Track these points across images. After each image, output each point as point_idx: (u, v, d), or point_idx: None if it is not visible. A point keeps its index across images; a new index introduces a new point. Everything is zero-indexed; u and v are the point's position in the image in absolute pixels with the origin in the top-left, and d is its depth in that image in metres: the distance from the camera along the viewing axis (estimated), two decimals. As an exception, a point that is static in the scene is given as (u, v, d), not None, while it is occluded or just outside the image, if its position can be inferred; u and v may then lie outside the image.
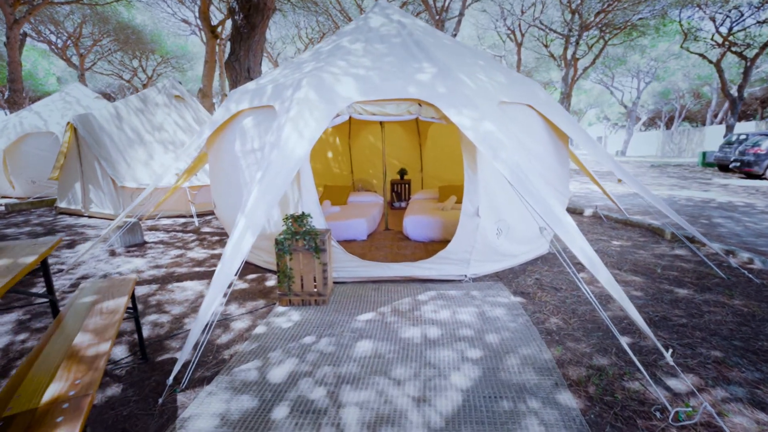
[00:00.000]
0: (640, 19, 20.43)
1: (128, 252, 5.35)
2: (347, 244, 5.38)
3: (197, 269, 4.61)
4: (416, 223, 5.43)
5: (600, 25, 20.08)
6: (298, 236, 3.25)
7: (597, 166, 17.69)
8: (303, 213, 3.41)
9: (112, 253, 5.29)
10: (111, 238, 5.58)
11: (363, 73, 3.69)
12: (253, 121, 4.01)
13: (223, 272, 2.64)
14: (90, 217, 7.93)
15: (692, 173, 15.24)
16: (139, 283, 4.15)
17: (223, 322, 3.20)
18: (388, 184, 8.15)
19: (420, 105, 3.51)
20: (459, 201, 6.48)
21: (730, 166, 13.80)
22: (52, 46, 24.62)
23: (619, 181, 4.32)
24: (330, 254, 3.59)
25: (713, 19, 18.41)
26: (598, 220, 6.68)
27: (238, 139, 4.14)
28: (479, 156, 3.60)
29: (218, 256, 5.15)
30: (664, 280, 3.88)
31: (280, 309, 3.36)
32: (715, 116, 31.54)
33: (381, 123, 6.00)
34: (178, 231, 6.65)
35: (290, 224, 3.34)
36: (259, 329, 3.02)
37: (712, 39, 19.79)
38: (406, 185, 8.14)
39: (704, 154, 18.02)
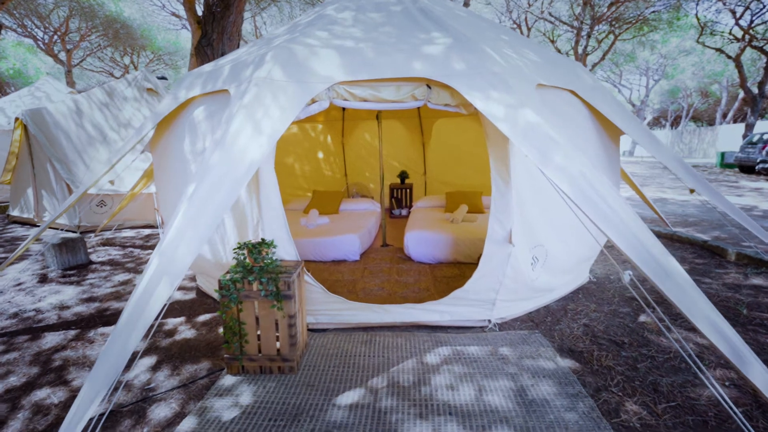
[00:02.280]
0: (653, 12, 19.44)
1: (64, 276, 4.32)
2: (335, 266, 4.36)
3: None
4: (420, 240, 4.41)
5: (610, 19, 19.07)
6: (253, 276, 2.22)
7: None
8: (263, 240, 2.38)
9: (43, 279, 4.26)
10: (45, 256, 4.56)
11: (351, 46, 2.67)
12: (204, 112, 2.98)
13: (109, 357, 1.61)
14: (43, 227, 6.90)
15: (712, 175, 14.21)
16: (53, 327, 3.13)
17: (140, 405, 2.17)
18: (386, 189, 7.12)
19: (429, 87, 2.48)
20: (471, 210, 5.46)
21: (757, 167, 12.77)
22: (38, 42, 23.62)
23: (692, 191, 3.28)
24: (302, 297, 2.56)
25: (733, 12, 17.37)
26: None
27: (188, 136, 3.11)
28: (513, 160, 2.57)
29: (173, 283, 4.13)
30: (759, 327, 2.85)
31: (227, 381, 2.33)
32: (725, 116, 30.44)
33: (377, 116, 4.98)
34: (136, 246, 5.62)
35: (243, 257, 2.32)
36: (186, 424, 1.98)
37: (730, 33, 18.77)
38: (408, 190, 7.11)
39: (722, 154, 16.99)
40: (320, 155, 7.45)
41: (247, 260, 2.32)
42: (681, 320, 3.00)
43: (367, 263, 4.46)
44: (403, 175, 7.02)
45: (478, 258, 3.29)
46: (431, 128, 7.07)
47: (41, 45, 23.77)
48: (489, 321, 2.90)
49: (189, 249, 1.86)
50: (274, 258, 2.37)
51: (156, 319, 1.77)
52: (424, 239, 4.39)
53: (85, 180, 6.50)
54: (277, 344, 2.34)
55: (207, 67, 3.38)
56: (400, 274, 4.08)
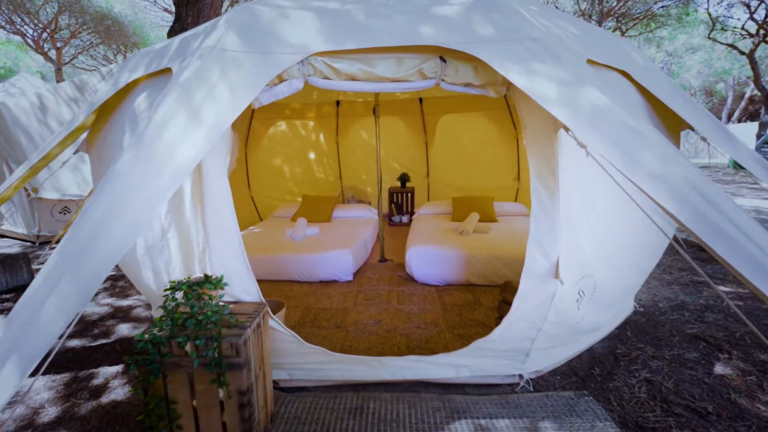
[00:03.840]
0: (662, 7, 18.78)
1: (-2, 302, 3.60)
2: (324, 289, 3.64)
3: (72, 344, 2.88)
4: (424, 257, 3.69)
5: (617, 15, 18.41)
6: (184, 336, 1.49)
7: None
8: (206, 277, 1.66)
9: (-30, 305, 3.54)
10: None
11: (335, 7, 1.95)
12: (147, 100, 2.25)
13: None
14: (1, 236, 6.19)
15: (728, 176, 13.52)
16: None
17: None
18: (385, 193, 6.40)
19: (443, 60, 1.76)
20: (482, 219, 4.75)
21: (778, 168, 12.03)
22: (27, 39, 22.93)
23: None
24: (264, 355, 1.84)
25: (747, 5, 16.65)
26: (670, 247, 4.93)
27: (129, 131, 2.38)
28: (562, 162, 1.84)
29: (125, 311, 3.41)
30: None
31: (152, 483, 1.60)
32: (730, 116, 29.63)
33: (374, 110, 4.26)
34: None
35: (175, 303, 1.60)
36: None
37: (742, 28, 18.06)
38: (409, 195, 6.40)
39: (737, 154, 16.24)
40: (312, 156, 6.73)
41: (179, 309, 1.60)
42: (772, 373, 2.29)
43: (361, 285, 3.74)
44: (403, 178, 6.31)
45: (504, 287, 2.59)
46: (435, 125, 6.36)
47: (30, 43, 23.06)
48: (520, 376, 2.18)
49: (64, 308, 1.15)
50: (222, 302, 1.65)
51: None
52: (430, 256, 3.67)
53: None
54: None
55: (159, 44, 2.67)
56: (401, 300, 3.36)
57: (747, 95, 25.99)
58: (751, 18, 17.11)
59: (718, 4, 18.97)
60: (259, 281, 3.91)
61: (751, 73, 19.07)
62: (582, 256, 2.00)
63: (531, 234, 1.86)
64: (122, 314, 3.39)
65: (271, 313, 1.89)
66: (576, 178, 1.87)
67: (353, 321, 2.98)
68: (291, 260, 3.83)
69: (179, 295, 1.61)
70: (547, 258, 1.87)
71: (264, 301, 1.90)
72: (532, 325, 1.98)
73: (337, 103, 6.40)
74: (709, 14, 18.20)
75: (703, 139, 2.51)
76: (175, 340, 1.47)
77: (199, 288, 1.57)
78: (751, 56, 17.44)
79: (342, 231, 4.68)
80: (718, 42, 18.92)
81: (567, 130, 1.54)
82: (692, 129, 2.44)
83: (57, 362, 2.58)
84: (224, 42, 1.72)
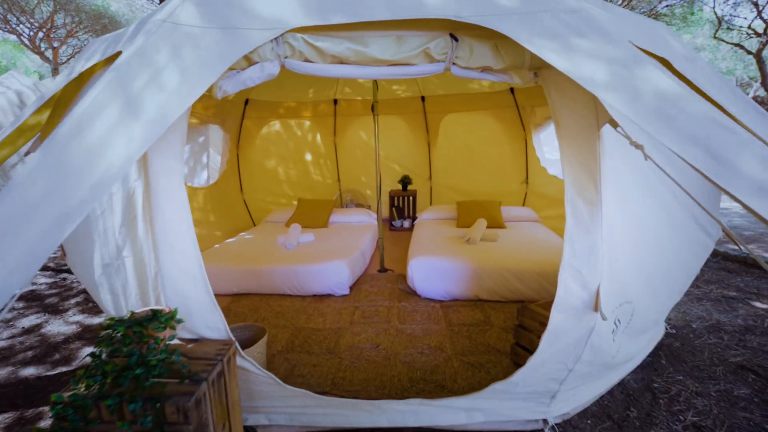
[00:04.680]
0: (667, 6, 18.45)
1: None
2: (317, 305, 3.29)
3: (26, 373, 2.52)
4: (428, 269, 3.33)
5: (623, 13, 18.07)
6: (113, 398, 1.13)
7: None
8: (154, 312, 1.31)
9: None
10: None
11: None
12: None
13: None
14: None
15: None
16: None
17: None
18: (385, 196, 6.05)
19: (454, 39, 1.41)
20: (490, 225, 4.40)
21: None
22: (22, 38, 22.65)
23: None
24: (232, 404, 1.48)
25: (755, 3, 16.28)
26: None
27: (85, 130, 2.03)
28: (605, 166, 1.48)
29: (95, 331, 3.06)
30: None
31: None
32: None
33: (372, 107, 3.91)
34: (47, 269, 4.53)
35: (111, 347, 1.24)
36: None
37: (749, 27, 17.70)
38: (411, 198, 6.04)
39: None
40: (308, 157, 6.37)
41: (114, 358, 1.24)
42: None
43: (358, 300, 3.38)
44: (405, 181, 5.94)
45: (521, 310, 2.22)
46: (438, 125, 6.00)
47: (26, 42, 22.76)
48: (545, 421, 1.82)
49: None
50: (176, 342, 1.29)
51: None
52: (434, 269, 3.31)
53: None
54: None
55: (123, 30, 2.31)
56: (402, 318, 3.00)
57: (750, 95, 25.65)
58: (759, 16, 16.74)
59: (724, 3, 18.59)
60: (246, 295, 3.57)
61: (754, 74, 18.69)
62: (622, 280, 1.64)
63: (565, 258, 1.51)
64: (91, 334, 3.04)
65: (241, 351, 1.53)
66: (617, 187, 1.51)
67: (348, 345, 2.62)
68: (282, 272, 3.47)
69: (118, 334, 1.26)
70: (585, 287, 1.51)
71: (232, 337, 1.54)
72: (562, 366, 1.62)
73: (335, 101, 6.05)
74: (715, 13, 17.83)
75: (760, 140, 2.14)
76: (104, 402, 1.11)
77: (143, 328, 1.22)
78: (758, 56, 17.03)
79: (339, 238, 4.33)
80: (724, 42, 18.53)
81: (615, 125, 1.19)
82: (745, 128, 2.07)
83: (2, 396, 2.23)
84: (178, 15, 1.36)
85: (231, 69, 1.44)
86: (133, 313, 1.32)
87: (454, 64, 1.41)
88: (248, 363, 1.58)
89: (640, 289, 1.84)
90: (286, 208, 5.50)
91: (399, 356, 2.47)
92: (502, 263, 3.25)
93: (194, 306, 1.51)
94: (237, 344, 1.49)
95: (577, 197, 1.46)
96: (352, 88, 5.83)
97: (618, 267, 1.57)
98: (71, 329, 3.12)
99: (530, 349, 2.21)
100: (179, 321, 1.33)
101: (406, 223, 6.05)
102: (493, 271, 3.21)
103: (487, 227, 4.37)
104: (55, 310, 3.49)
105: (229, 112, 5.24)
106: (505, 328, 2.80)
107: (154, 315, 1.27)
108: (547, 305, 2.35)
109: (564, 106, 1.45)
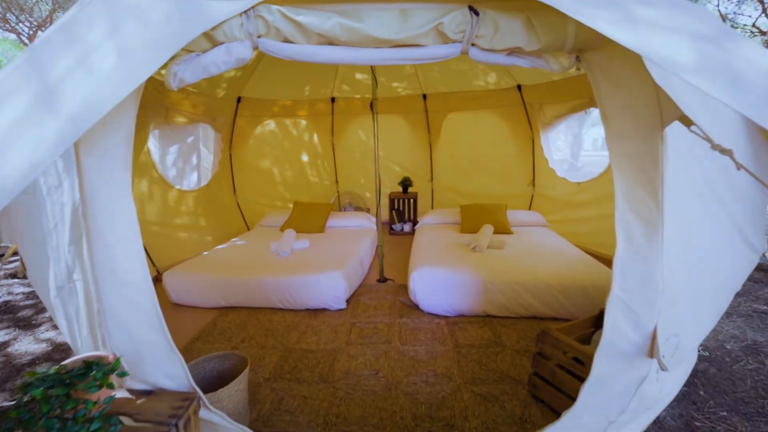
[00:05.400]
0: (671, 3, 18.17)
1: None
2: (310, 320, 3.00)
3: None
4: (432, 282, 3.05)
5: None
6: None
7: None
8: (88, 363, 1.02)
9: None
10: None
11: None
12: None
13: None
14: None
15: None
16: None
17: None
18: (385, 199, 5.76)
19: (474, 13, 1.12)
20: (496, 230, 4.12)
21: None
22: (21, 37, 22.35)
23: None
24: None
25: (761, 1, 15.99)
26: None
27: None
28: (670, 178, 1.18)
29: (67, 351, 2.78)
30: None
31: None
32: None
33: (371, 105, 3.62)
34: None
35: (26, 410, 0.95)
36: None
37: (754, 25, 17.42)
38: (411, 201, 5.75)
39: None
40: (305, 158, 6.08)
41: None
42: None
43: (356, 315, 3.09)
44: (405, 183, 5.66)
45: (541, 337, 1.93)
46: (441, 124, 5.71)
47: (26, 41, 22.48)
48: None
49: None
50: (122, 391, 1.00)
51: None
52: (438, 281, 3.03)
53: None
54: None
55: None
56: (404, 337, 2.71)
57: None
58: (765, 14, 16.46)
59: (728, 0, 18.33)
60: (234, 308, 3.27)
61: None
62: (673, 311, 1.35)
63: (613, 291, 1.22)
64: (62, 355, 2.75)
65: (207, 403, 1.24)
66: (677, 201, 1.22)
67: (344, 371, 2.33)
68: (273, 284, 3.18)
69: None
70: (639, 327, 1.22)
71: (194, 387, 1.25)
72: (603, 418, 1.34)
73: (333, 99, 5.76)
74: (719, 11, 17.58)
75: None
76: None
77: (69, 389, 0.93)
78: (765, 53, 16.78)
79: (336, 245, 4.04)
80: (731, 39, 18.27)
81: (689, 123, 0.90)
82: None
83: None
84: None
85: (188, 51, 1.15)
86: (61, 367, 1.03)
87: (473, 45, 1.12)
88: (218, 416, 1.29)
89: (687, 316, 1.55)
90: (282, 212, 5.21)
91: (401, 385, 2.18)
92: (513, 275, 2.96)
93: (146, 350, 1.22)
94: (202, 396, 1.21)
95: (630, 214, 1.17)
96: (350, 85, 5.54)
97: (669, 296, 1.28)
98: (40, 348, 2.84)
99: (551, 381, 1.93)
100: (122, 374, 1.05)
101: (407, 227, 5.77)
102: (503, 284, 2.92)
103: (496, 232, 4.09)
104: (27, 325, 3.21)
105: (220, 111, 4.95)
106: (519, 350, 2.51)
107: (88, 368, 0.98)
108: (571, 329, 2.06)
109: (616, 98, 1.16)
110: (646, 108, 1.10)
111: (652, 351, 1.23)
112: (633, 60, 1.05)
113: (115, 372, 1.01)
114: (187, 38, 1.01)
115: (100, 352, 1.16)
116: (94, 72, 0.91)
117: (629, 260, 1.20)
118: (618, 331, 1.25)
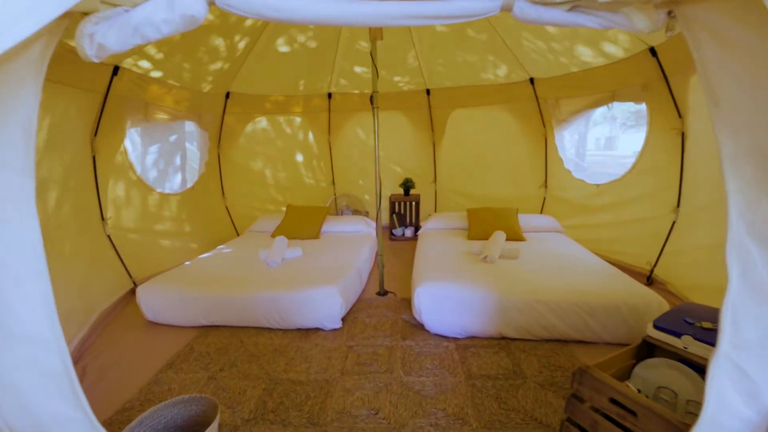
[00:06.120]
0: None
1: None
2: (302, 342, 2.64)
3: None
4: (438, 298, 2.69)
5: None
6: None
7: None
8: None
9: None
10: None
11: None
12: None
13: None
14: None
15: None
16: None
17: None
18: (386, 201, 5.40)
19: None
20: (509, 237, 3.78)
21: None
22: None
23: None
24: None
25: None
26: None
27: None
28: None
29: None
30: None
31: None
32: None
33: (371, 99, 3.26)
34: None
35: None
36: None
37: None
38: (414, 204, 5.40)
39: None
40: (299, 158, 5.71)
41: None
42: None
43: (353, 336, 2.73)
44: (407, 184, 5.30)
45: (578, 375, 1.57)
46: (445, 121, 5.35)
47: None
48: None
49: None
50: None
51: None
52: (446, 298, 2.66)
53: None
54: None
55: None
56: (408, 365, 2.35)
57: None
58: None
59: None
60: (216, 328, 2.90)
61: None
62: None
63: (721, 348, 0.86)
64: None
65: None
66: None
67: (338, 409, 1.97)
68: (260, 301, 2.81)
69: None
70: (756, 401, 0.86)
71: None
72: None
73: (329, 95, 5.40)
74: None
75: None
76: None
77: None
78: None
79: (331, 253, 3.68)
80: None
81: None
82: None
83: None
84: None
85: (111, 4, 0.79)
86: None
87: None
88: None
89: None
90: (274, 216, 4.85)
91: (405, 429, 1.82)
92: (531, 292, 2.60)
93: (55, 427, 0.86)
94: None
95: (749, 239, 0.80)
96: (348, 80, 5.18)
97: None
98: None
99: (592, 434, 1.57)
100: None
101: (408, 232, 5.41)
102: (521, 302, 2.56)
103: (509, 239, 3.73)
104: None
105: (207, 107, 4.59)
106: (542, 382, 2.15)
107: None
108: (611, 363, 1.71)
109: (730, 70, 0.79)
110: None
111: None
112: (758, 13, 0.70)
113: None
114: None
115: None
116: None
117: (746, 305, 0.83)
118: (725, 404, 0.88)
